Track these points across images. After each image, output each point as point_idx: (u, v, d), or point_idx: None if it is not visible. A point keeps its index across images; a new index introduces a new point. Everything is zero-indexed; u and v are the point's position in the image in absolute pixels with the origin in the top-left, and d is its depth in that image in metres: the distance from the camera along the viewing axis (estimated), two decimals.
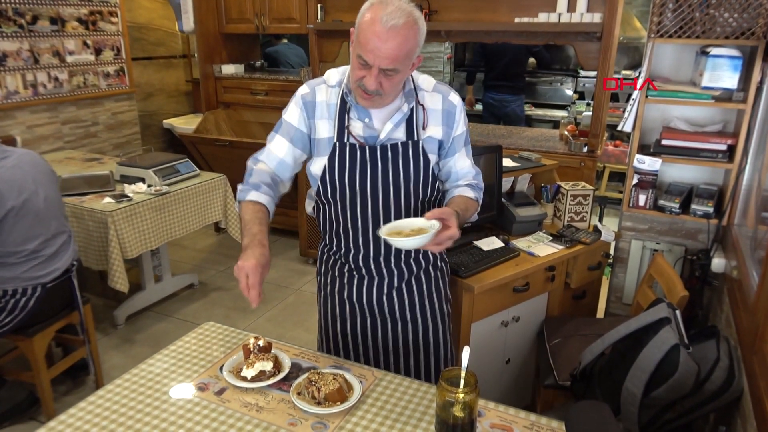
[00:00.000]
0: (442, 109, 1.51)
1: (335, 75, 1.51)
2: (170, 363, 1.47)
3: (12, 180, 2.14)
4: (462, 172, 1.57)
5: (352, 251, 1.58)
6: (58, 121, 4.31)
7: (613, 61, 3.29)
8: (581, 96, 6.06)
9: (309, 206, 1.67)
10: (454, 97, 1.54)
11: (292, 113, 1.51)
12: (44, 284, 2.27)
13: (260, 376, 1.37)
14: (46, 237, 2.27)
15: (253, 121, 4.49)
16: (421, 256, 1.62)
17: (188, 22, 4.48)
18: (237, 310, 3.45)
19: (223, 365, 1.43)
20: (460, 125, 1.54)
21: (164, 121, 5.29)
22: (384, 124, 1.47)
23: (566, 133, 3.48)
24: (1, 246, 2.15)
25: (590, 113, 3.43)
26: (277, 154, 1.53)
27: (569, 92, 6.08)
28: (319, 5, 3.92)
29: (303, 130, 1.51)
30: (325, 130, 1.49)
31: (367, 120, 1.46)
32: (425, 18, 3.60)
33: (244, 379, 1.37)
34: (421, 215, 1.54)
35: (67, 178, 3.13)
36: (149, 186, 3.08)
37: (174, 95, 5.77)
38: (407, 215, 1.52)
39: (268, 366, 1.38)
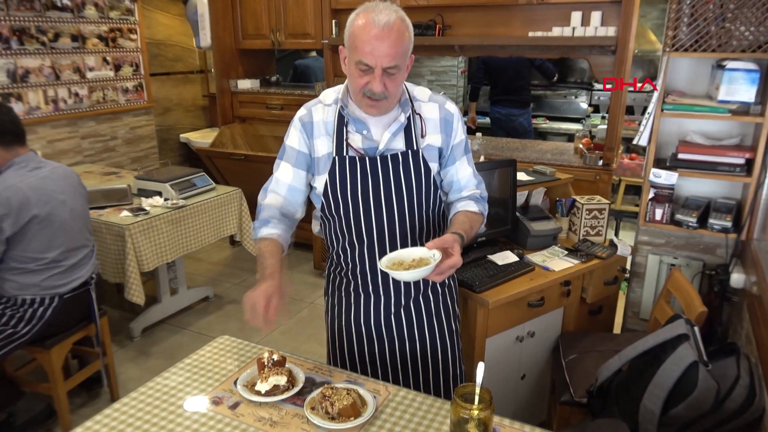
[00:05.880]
0: (440, 118, 1.52)
1: (331, 94, 1.54)
2: (185, 376, 1.48)
3: (41, 189, 2.21)
4: (464, 180, 1.57)
5: (359, 266, 1.58)
6: (78, 136, 4.39)
7: (628, 75, 3.28)
8: (596, 109, 6.04)
9: (315, 226, 1.69)
10: (451, 106, 1.55)
11: (293, 137, 1.55)
12: (62, 295, 2.30)
13: (274, 390, 1.37)
14: (68, 248, 2.31)
15: (269, 135, 4.53)
16: (422, 283, 1.61)
17: (205, 38, 4.55)
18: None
19: (237, 379, 1.44)
20: (459, 133, 1.55)
21: (181, 135, 5.36)
22: (382, 135, 1.49)
23: (581, 146, 3.46)
24: (23, 251, 2.19)
25: (605, 126, 3.41)
26: (284, 181, 1.55)
27: (584, 105, 6.06)
28: (333, 20, 3.97)
29: (305, 151, 1.53)
30: (324, 147, 1.51)
31: (365, 132, 1.48)
32: (438, 33, 3.65)
33: (258, 393, 1.37)
34: (426, 226, 1.55)
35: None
36: (166, 199, 3.12)
37: (191, 110, 5.86)
38: (411, 226, 1.52)
39: (282, 380, 1.38)
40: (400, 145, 1.50)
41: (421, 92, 1.55)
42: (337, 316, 1.66)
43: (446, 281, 1.66)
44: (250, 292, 1.35)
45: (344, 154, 1.49)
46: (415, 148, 1.50)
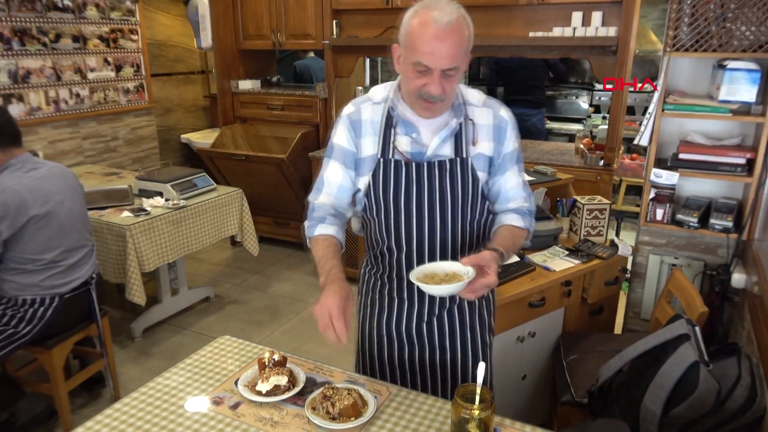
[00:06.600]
0: (493, 125, 1.45)
1: (381, 91, 1.48)
2: (186, 376, 1.48)
3: (38, 190, 2.20)
4: (512, 192, 1.49)
5: (395, 271, 1.53)
6: (79, 136, 4.40)
7: (629, 75, 3.27)
8: (597, 109, 6.03)
9: (356, 224, 1.63)
10: (505, 113, 1.48)
11: (341, 135, 1.48)
12: (62, 295, 2.30)
13: (275, 390, 1.37)
14: (67, 248, 2.31)
15: (270, 135, 4.54)
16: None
17: (206, 39, 4.55)
18: (252, 324, 3.47)
19: (238, 379, 1.44)
20: (511, 142, 1.47)
21: (182, 135, 5.36)
22: (431, 140, 1.42)
23: (582, 146, 3.46)
24: (21, 252, 2.19)
25: (606, 127, 3.41)
26: (335, 180, 1.49)
27: (585, 105, 6.05)
28: (334, 21, 3.97)
29: (352, 149, 1.47)
30: (370, 147, 1.45)
31: (414, 135, 1.42)
32: None
33: (259, 393, 1.37)
34: (469, 237, 1.48)
35: (87, 192, 3.16)
36: (167, 200, 3.12)
37: (192, 110, 5.86)
38: (453, 236, 1.46)
39: (282, 380, 1.38)
40: (448, 151, 1.42)
41: (474, 96, 1.47)
42: (369, 317, 1.61)
43: (477, 300, 1.58)
44: (322, 299, 1.27)
45: (389, 156, 1.43)
46: (464, 155, 1.42)
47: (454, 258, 1.44)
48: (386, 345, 1.59)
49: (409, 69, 1.32)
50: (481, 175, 1.45)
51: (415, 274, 1.30)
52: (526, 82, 4.79)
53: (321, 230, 1.45)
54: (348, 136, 1.47)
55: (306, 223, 1.49)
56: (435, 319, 1.55)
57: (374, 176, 1.44)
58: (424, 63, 1.28)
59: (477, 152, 1.44)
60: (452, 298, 1.53)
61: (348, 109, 1.50)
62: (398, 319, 1.56)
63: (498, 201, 1.51)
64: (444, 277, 1.29)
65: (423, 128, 1.42)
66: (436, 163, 1.42)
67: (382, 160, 1.43)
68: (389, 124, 1.44)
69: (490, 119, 1.45)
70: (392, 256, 1.51)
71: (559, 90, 6.18)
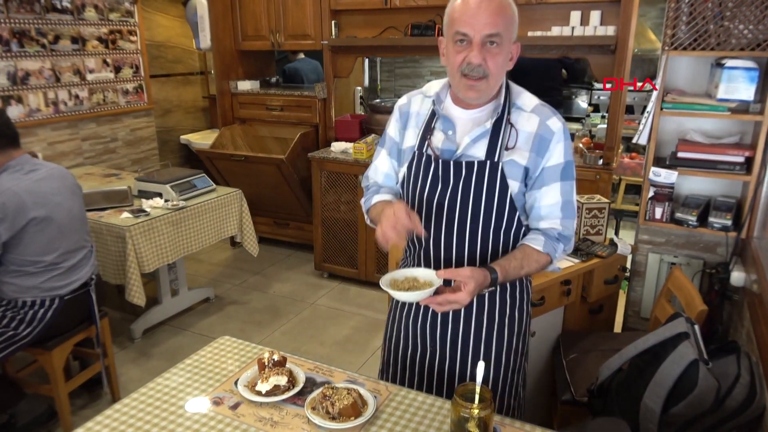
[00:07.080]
0: (535, 133, 1.36)
1: (435, 86, 1.47)
2: (186, 377, 1.48)
3: (37, 192, 2.20)
4: (545, 210, 1.39)
5: (415, 264, 1.53)
6: (79, 138, 4.40)
7: (628, 74, 3.28)
8: (596, 108, 6.03)
9: None
10: (554, 123, 1.37)
11: (392, 125, 1.54)
12: (62, 296, 2.30)
13: (275, 390, 1.37)
14: (66, 250, 2.31)
15: (269, 136, 4.54)
16: (487, 296, 1.47)
17: (205, 40, 4.55)
18: (252, 324, 3.47)
19: (238, 379, 1.44)
20: (555, 156, 1.37)
21: (181, 136, 5.36)
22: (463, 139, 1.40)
23: (581, 145, 3.46)
24: (20, 255, 2.19)
25: (605, 126, 3.41)
26: (382, 169, 1.57)
27: (584, 105, 6.05)
28: (333, 21, 3.97)
29: (399, 140, 1.52)
30: (411, 139, 1.48)
31: (450, 132, 1.40)
32: (438, 33, 3.64)
33: (259, 393, 1.37)
34: (492, 247, 1.44)
35: (87, 193, 3.16)
36: (166, 201, 3.12)
37: (191, 111, 5.86)
38: (471, 242, 1.42)
39: (282, 380, 1.39)
40: (480, 153, 1.37)
41: (526, 100, 1.42)
42: (393, 309, 1.63)
43: (509, 312, 1.51)
44: (387, 211, 1.31)
45: (423, 150, 1.44)
46: (495, 159, 1.36)
47: (472, 262, 1.43)
48: (402, 341, 1.59)
49: (450, 46, 1.33)
50: (514, 184, 1.37)
51: (393, 275, 1.33)
52: (543, 83, 4.71)
53: (377, 198, 1.51)
54: (396, 126, 1.52)
55: (363, 200, 1.58)
56: (449, 325, 1.50)
57: (408, 168, 1.48)
58: (462, 31, 1.28)
59: (510, 158, 1.36)
60: (467, 308, 1.47)
61: (401, 101, 1.54)
62: (415, 315, 1.56)
63: (530, 217, 1.44)
64: (420, 284, 1.32)
65: (459, 126, 1.41)
66: (464, 163, 1.38)
67: (417, 153, 1.46)
68: (431, 118, 1.45)
69: (533, 127, 1.37)
70: (415, 250, 1.53)
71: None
